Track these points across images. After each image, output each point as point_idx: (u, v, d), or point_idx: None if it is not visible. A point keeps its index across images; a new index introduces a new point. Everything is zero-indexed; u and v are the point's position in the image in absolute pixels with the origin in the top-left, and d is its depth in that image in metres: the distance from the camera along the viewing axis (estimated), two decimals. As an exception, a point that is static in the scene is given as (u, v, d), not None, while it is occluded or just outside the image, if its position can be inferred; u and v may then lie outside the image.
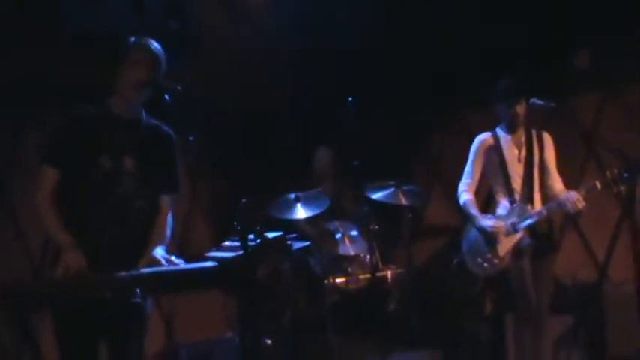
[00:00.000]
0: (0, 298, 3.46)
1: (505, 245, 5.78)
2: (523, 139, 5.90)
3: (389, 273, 6.89)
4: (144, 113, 4.26)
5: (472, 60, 7.14)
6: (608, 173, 5.59)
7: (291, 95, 7.35)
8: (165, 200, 4.31)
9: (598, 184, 5.60)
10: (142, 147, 4.18)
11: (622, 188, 5.55)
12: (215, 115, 6.94)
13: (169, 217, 4.30)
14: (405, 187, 6.88)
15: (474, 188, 6.03)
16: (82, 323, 3.85)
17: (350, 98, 6.36)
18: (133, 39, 4.16)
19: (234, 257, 3.90)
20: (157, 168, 4.22)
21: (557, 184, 5.89)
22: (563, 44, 7.06)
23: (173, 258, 4.01)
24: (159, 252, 4.03)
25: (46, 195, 4.04)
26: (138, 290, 3.64)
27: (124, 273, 3.74)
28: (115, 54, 4.14)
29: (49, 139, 4.25)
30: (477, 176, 6.02)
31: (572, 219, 7.23)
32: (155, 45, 4.17)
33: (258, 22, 6.68)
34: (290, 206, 6.67)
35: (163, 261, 3.96)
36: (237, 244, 3.98)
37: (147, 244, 4.08)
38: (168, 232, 4.26)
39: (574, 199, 5.59)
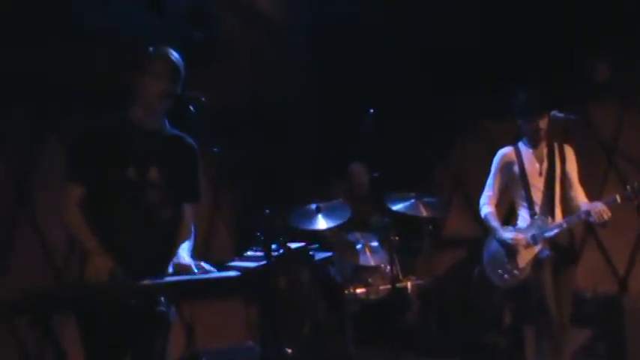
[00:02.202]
0: (25, 301, 3.49)
1: (525, 257, 5.78)
2: (545, 153, 5.90)
3: (409, 284, 6.92)
4: (167, 123, 4.30)
5: (493, 70, 7.13)
6: (628, 186, 5.59)
7: (312, 105, 7.37)
8: (187, 209, 4.36)
9: (618, 197, 5.59)
10: (166, 157, 4.22)
11: (643, 202, 5.56)
12: (236, 124, 6.98)
13: (192, 227, 4.35)
14: (425, 199, 6.90)
15: (495, 201, 6.04)
16: (107, 330, 3.88)
17: (370, 109, 6.38)
18: (152, 49, 4.18)
19: (256, 267, 3.94)
20: (180, 178, 4.26)
21: (580, 195, 5.88)
22: (583, 55, 7.05)
23: (203, 264, 4.04)
24: (187, 259, 4.08)
25: (73, 208, 4.08)
26: (162, 298, 3.68)
27: (148, 281, 3.78)
28: (136, 63, 4.16)
29: (71, 156, 4.27)
30: (497, 189, 6.03)
31: (592, 231, 7.22)
32: (175, 55, 4.18)
33: (274, 29, 6.70)
34: (311, 216, 6.70)
35: (194, 268, 4.00)
36: (259, 253, 4.03)
37: (171, 253, 4.12)
38: (189, 237, 4.30)
39: (600, 209, 5.58)
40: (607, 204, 5.61)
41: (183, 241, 4.23)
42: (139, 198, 4.11)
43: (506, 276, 5.86)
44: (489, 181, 6.05)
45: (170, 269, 4.08)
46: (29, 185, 6.59)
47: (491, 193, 6.03)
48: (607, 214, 5.57)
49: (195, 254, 4.23)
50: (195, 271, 3.97)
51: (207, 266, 4.03)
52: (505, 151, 6.03)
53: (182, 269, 4.00)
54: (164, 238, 4.18)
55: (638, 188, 5.53)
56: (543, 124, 5.82)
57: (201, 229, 7.24)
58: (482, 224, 6.07)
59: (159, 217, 4.17)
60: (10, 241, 6.44)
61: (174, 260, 4.08)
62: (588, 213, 5.61)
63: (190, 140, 4.35)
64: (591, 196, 5.93)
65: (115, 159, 4.11)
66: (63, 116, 6.31)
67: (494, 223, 5.94)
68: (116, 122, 4.22)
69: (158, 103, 4.13)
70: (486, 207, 6.00)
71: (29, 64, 6.01)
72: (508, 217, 6.57)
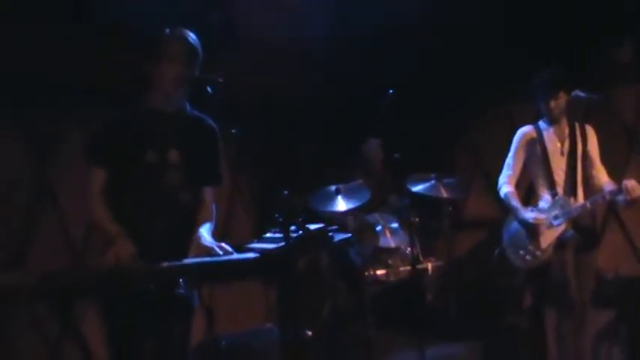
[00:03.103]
0: (44, 286, 3.49)
1: (547, 238, 5.75)
2: (566, 132, 5.87)
3: (429, 265, 6.89)
4: (187, 105, 4.28)
5: (514, 51, 7.07)
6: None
7: (332, 87, 7.32)
8: (208, 192, 4.34)
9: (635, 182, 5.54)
10: (186, 139, 4.20)
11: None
12: (255, 106, 6.95)
13: (212, 207, 4.34)
14: (445, 180, 6.87)
15: (514, 180, 6.00)
16: (126, 314, 3.88)
17: (390, 90, 6.34)
18: (168, 31, 4.15)
19: (275, 249, 3.91)
20: (200, 160, 4.25)
21: (602, 174, 5.85)
22: (606, 36, 6.97)
23: (224, 245, 4.02)
24: (208, 239, 4.06)
25: (96, 193, 4.10)
26: (181, 281, 3.67)
27: (166, 264, 3.77)
28: (155, 47, 4.14)
29: (93, 140, 4.26)
30: (518, 168, 5.99)
31: (614, 213, 7.16)
32: (192, 36, 4.15)
33: (293, 11, 6.66)
34: (331, 198, 6.69)
35: (217, 248, 3.97)
36: (278, 235, 4.00)
37: (191, 235, 4.11)
38: (210, 219, 4.29)
39: (634, 184, 5.53)
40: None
41: (204, 223, 4.21)
42: (157, 180, 4.11)
43: (527, 257, 5.83)
44: (509, 160, 6.01)
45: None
46: (50, 172, 6.60)
47: (511, 172, 5.99)
48: (638, 192, 5.52)
49: (215, 236, 4.21)
50: (219, 252, 3.95)
51: (228, 248, 4.01)
52: (526, 130, 5.99)
53: (204, 250, 3.98)
54: (183, 221, 4.17)
55: None
56: (562, 102, 5.77)
57: (220, 210, 7.27)
58: (502, 204, 6.04)
59: (178, 199, 4.17)
60: (31, 229, 6.45)
61: (195, 241, 4.05)
62: (619, 190, 5.55)
63: (211, 122, 4.33)
64: (613, 178, 5.89)
65: (135, 142, 4.11)
66: (84, 105, 6.30)
67: (515, 202, 5.91)
68: (136, 108, 4.22)
69: (176, 88, 4.11)
70: (506, 186, 5.97)
71: (51, 54, 6.01)
72: (527, 198, 6.53)
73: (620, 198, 5.59)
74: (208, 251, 3.96)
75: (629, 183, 5.52)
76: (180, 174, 4.16)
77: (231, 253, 3.98)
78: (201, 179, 4.30)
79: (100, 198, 4.10)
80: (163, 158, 4.13)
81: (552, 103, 5.79)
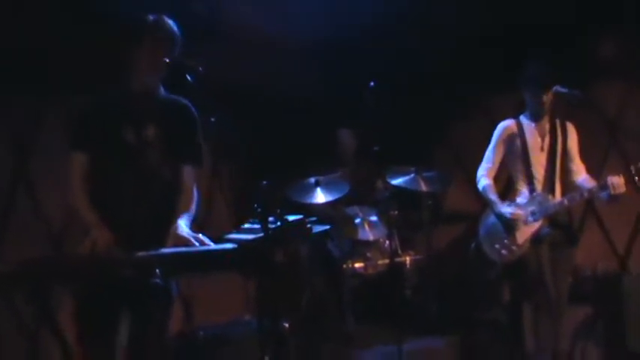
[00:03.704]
0: (23, 273, 3.47)
1: (524, 233, 5.76)
2: (547, 128, 5.88)
3: (408, 259, 6.91)
4: (161, 88, 4.27)
5: (494, 46, 7.08)
6: (632, 167, 5.57)
7: (311, 78, 7.31)
8: (189, 173, 4.30)
9: (621, 178, 5.56)
10: (163, 115, 4.20)
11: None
12: (236, 96, 6.93)
13: (193, 193, 4.32)
14: (425, 173, 6.87)
15: (493, 173, 6.01)
16: (101, 302, 3.87)
17: (371, 83, 6.33)
18: (150, 18, 4.14)
19: (253, 239, 3.90)
20: (179, 137, 4.23)
21: (580, 170, 5.87)
22: (588, 32, 7.00)
23: (201, 236, 4.00)
24: (185, 230, 4.04)
25: (77, 178, 4.10)
26: (157, 271, 3.65)
27: (143, 253, 3.74)
28: (133, 33, 4.13)
29: (73, 126, 4.25)
30: (497, 162, 5.99)
31: (592, 210, 7.20)
32: (172, 24, 4.16)
33: (280, 4, 6.64)
34: (310, 190, 6.69)
35: (193, 240, 3.95)
36: (257, 226, 3.99)
37: (173, 218, 4.09)
38: (193, 206, 4.27)
39: (616, 182, 5.54)
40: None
41: (185, 210, 4.20)
42: (137, 160, 4.11)
43: (503, 251, 5.84)
44: (488, 153, 6.01)
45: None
46: (27, 159, 6.57)
47: (490, 165, 5.99)
48: (623, 188, 5.54)
49: (193, 226, 4.19)
50: (195, 243, 3.93)
51: (205, 239, 3.99)
52: (507, 124, 5.99)
53: (181, 241, 3.96)
54: (163, 200, 4.17)
55: None
56: (548, 98, 5.78)
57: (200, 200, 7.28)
58: (481, 197, 6.05)
59: (158, 178, 4.17)
60: (8, 215, 6.42)
61: (173, 231, 4.04)
62: (605, 186, 5.56)
63: (185, 101, 4.31)
64: (593, 174, 5.91)
65: (112, 122, 4.11)
66: (62, 91, 6.26)
67: (493, 196, 5.92)
68: (114, 91, 4.23)
69: (155, 71, 4.12)
70: (484, 179, 5.96)
71: (30, 40, 5.98)
72: (505, 191, 6.55)
73: (604, 194, 5.61)
74: (185, 242, 3.94)
75: (614, 179, 5.53)
76: (159, 151, 4.16)
77: (208, 245, 3.96)
78: (180, 157, 4.27)
79: (80, 184, 4.09)
80: (141, 136, 4.12)
81: (544, 97, 5.79)
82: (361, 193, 7.26)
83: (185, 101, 4.31)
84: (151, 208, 4.12)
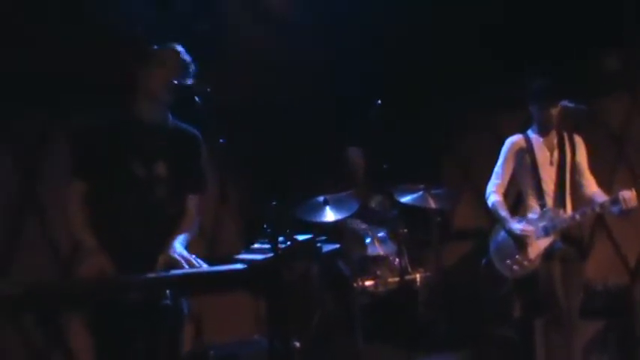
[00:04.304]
0: (29, 297, 3.46)
1: (536, 248, 5.74)
2: (555, 142, 5.87)
3: (418, 276, 6.89)
4: (170, 117, 4.28)
5: (502, 61, 7.09)
6: (640, 180, 5.58)
7: (318, 96, 7.32)
8: (192, 200, 4.33)
9: (633, 192, 5.55)
10: (172, 150, 4.20)
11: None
12: (242, 116, 6.94)
13: (194, 217, 4.33)
14: (433, 191, 6.86)
15: (502, 190, 5.99)
16: (115, 325, 3.86)
17: (378, 100, 6.34)
18: (159, 45, 4.18)
19: (263, 260, 3.90)
20: (186, 170, 4.25)
21: (591, 184, 5.85)
22: (593, 46, 7.00)
23: (193, 259, 3.97)
24: (178, 249, 4.02)
25: (77, 205, 4.09)
26: (168, 292, 3.65)
27: (152, 275, 3.75)
28: (141, 56, 4.16)
29: (74, 152, 4.26)
30: (506, 177, 5.98)
31: (603, 223, 7.18)
32: (181, 49, 4.18)
33: (282, 21, 6.66)
34: (319, 209, 6.67)
35: (184, 262, 3.93)
36: (266, 246, 3.98)
37: (168, 244, 4.08)
38: (190, 229, 4.27)
39: (629, 197, 5.53)
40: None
41: (182, 232, 4.19)
42: (147, 194, 4.11)
43: (515, 267, 5.82)
44: (497, 169, 6.00)
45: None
46: (36, 182, 6.58)
47: (499, 181, 5.97)
48: (635, 202, 5.52)
49: (203, 247, 4.20)
50: (184, 265, 3.91)
51: (197, 261, 3.98)
52: (515, 139, 5.98)
53: (170, 262, 3.94)
54: (169, 230, 4.15)
55: None
56: (555, 111, 5.78)
57: (208, 221, 7.28)
58: (490, 213, 6.03)
59: (165, 212, 4.17)
60: (17, 238, 6.42)
61: (165, 251, 4.02)
62: (615, 200, 5.55)
63: (194, 131, 4.33)
64: (602, 188, 5.90)
65: (121, 154, 4.10)
66: (71, 113, 6.28)
67: (503, 212, 5.90)
68: (120, 117, 4.21)
69: (163, 94, 4.11)
70: (494, 195, 5.94)
71: (36, 62, 6.00)
72: (515, 207, 6.54)
73: (615, 208, 5.59)
74: (174, 264, 3.92)
75: (626, 193, 5.52)
76: (167, 187, 4.16)
77: (199, 267, 3.95)
78: (186, 188, 4.29)
79: (78, 210, 4.08)
80: (151, 171, 4.12)
81: (553, 111, 5.78)
82: (370, 211, 7.25)
83: (194, 132, 4.33)
84: (156, 237, 4.10)
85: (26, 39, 5.87)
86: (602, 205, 5.64)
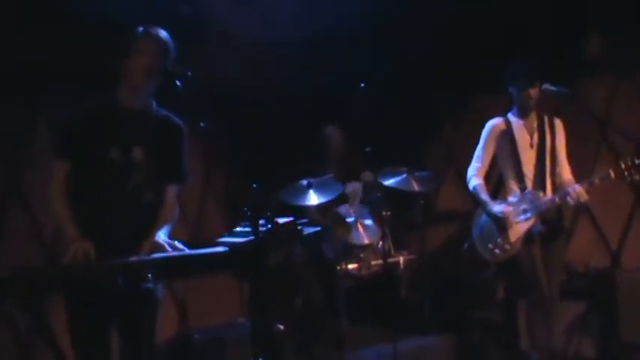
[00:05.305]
0: (15, 283, 3.47)
1: (516, 231, 5.78)
2: (535, 125, 5.90)
3: (401, 259, 6.92)
4: (154, 103, 4.28)
5: (483, 45, 7.10)
6: (622, 162, 5.59)
7: (302, 81, 7.31)
8: (171, 190, 4.34)
9: (612, 173, 5.59)
10: (151, 137, 4.19)
11: (637, 177, 5.55)
12: (224, 100, 6.93)
13: (174, 208, 4.34)
14: (417, 173, 6.89)
15: (483, 173, 6.02)
16: (94, 309, 3.87)
17: (362, 84, 6.35)
18: (141, 29, 4.16)
19: (244, 242, 3.92)
20: (165, 158, 4.25)
21: (565, 173, 5.89)
22: (576, 30, 7.01)
23: (177, 243, 4.03)
24: (162, 237, 4.07)
25: (57, 187, 4.10)
26: (149, 275, 3.67)
27: (135, 258, 3.77)
28: (124, 44, 4.14)
29: (58, 133, 4.27)
30: (487, 161, 6.01)
31: (585, 206, 7.21)
32: (164, 34, 4.17)
33: (265, 7, 6.64)
34: (302, 192, 6.68)
35: (167, 246, 3.98)
36: (248, 229, 4.00)
37: (151, 232, 4.10)
38: (171, 220, 4.28)
39: (577, 191, 5.60)
40: (601, 179, 5.62)
41: (164, 223, 4.22)
42: (122, 178, 4.11)
43: (496, 250, 5.86)
44: (478, 152, 6.03)
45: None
46: (19, 168, 6.55)
47: (479, 164, 6.00)
48: (583, 197, 5.62)
49: (187, 232, 4.22)
50: (169, 250, 3.95)
51: (180, 246, 4.02)
52: (495, 122, 6.01)
53: (154, 247, 3.99)
54: (145, 220, 4.16)
55: (632, 163, 5.53)
56: (534, 93, 5.80)
57: (192, 206, 7.29)
58: (472, 197, 6.06)
59: (141, 198, 4.17)
60: (1, 223, 6.41)
61: (150, 240, 4.06)
62: (567, 194, 5.63)
63: (177, 120, 4.34)
64: (583, 171, 5.94)
65: (99, 138, 4.10)
66: (53, 101, 6.26)
67: (484, 196, 5.93)
68: (103, 103, 4.21)
69: (144, 80, 4.11)
70: (475, 179, 5.97)
71: (17, 51, 5.97)
72: (496, 191, 6.57)
73: (568, 199, 5.66)
74: (160, 248, 3.97)
75: (575, 189, 5.63)
76: (144, 173, 4.16)
77: (182, 250, 3.99)
78: (165, 177, 4.29)
79: (59, 192, 4.09)
80: (128, 156, 4.12)
81: (532, 92, 5.80)
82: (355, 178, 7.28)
83: (177, 122, 4.33)
84: (133, 225, 4.12)
85: (7, 30, 5.84)
86: (559, 198, 5.71)
